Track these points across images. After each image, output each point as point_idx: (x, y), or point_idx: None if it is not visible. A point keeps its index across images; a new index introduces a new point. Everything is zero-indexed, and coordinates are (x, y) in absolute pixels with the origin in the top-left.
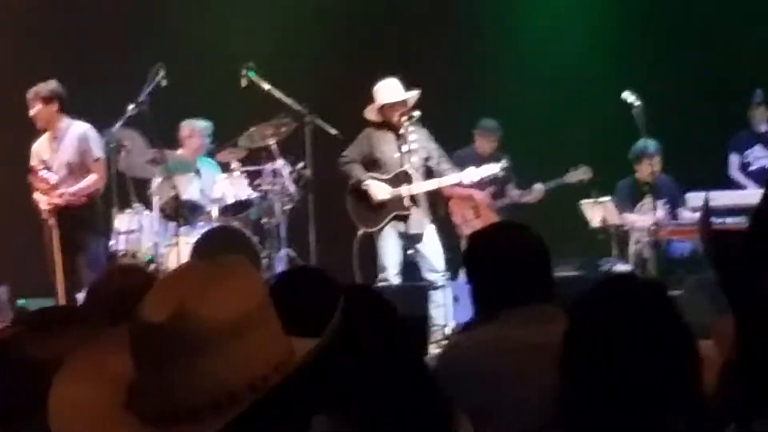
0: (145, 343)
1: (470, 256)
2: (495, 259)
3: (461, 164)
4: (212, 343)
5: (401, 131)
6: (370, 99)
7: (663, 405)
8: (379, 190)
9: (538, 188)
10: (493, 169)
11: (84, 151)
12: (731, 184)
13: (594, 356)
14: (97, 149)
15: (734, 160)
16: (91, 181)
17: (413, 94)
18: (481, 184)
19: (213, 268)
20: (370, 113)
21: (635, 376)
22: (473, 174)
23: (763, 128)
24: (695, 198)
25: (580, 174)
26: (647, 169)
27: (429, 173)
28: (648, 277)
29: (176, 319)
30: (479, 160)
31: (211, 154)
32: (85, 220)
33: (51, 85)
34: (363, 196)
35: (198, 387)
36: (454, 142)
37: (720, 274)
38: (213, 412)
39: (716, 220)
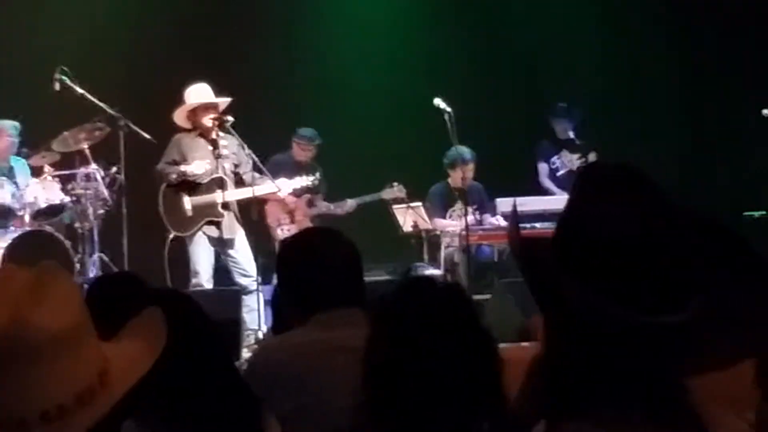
0: None
1: (282, 260)
2: (306, 264)
3: (277, 169)
4: (45, 353)
5: (213, 137)
6: (182, 104)
7: (462, 407)
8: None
9: (350, 204)
10: (305, 181)
11: None
12: (543, 193)
13: (392, 359)
14: None
15: (543, 168)
16: None
17: (224, 100)
18: (296, 193)
19: (36, 275)
20: (180, 117)
21: (434, 379)
22: (286, 185)
23: (565, 136)
24: (504, 203)
25: (394, 192)
26: (460, 176)
27: (239, 179)
28: (447, 280)
29: (11, 328)
30: (295, 168)
31: (23, 158)
32: None
33: None
34: (175, 200)
35: (28, 398)
36: (270, 149)
37: (528, 278)
38: (41, 424)
39: (526, 225)
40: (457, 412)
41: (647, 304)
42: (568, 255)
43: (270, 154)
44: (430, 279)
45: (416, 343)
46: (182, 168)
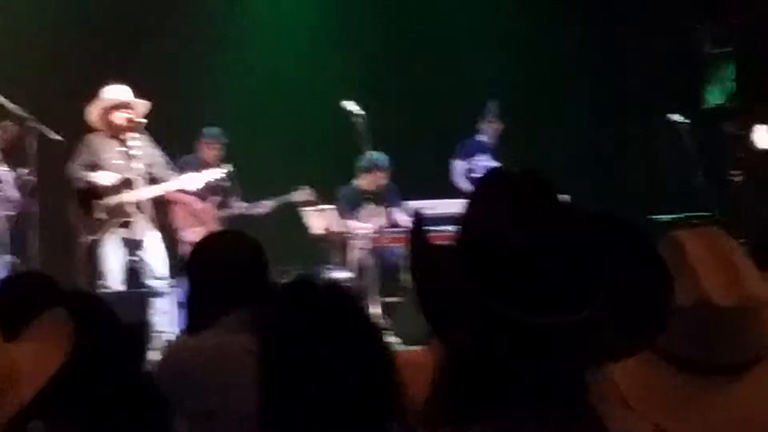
0: None
1: (189, 264)
2: (212, 266)
3: (185, 170)
4: None
5: (124, 137)
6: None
7: (353, 407)
8: (103, 177)
9: (267, 204)
10: (214, 174)
11: None
12: (455, 191)
13: (281, 363)
14: None
15: (459, 165)
16: None
17: (142, 102)
18: (205, 193)
19: None
20: (93, 116)
21: (323, 381)
22: (196, 179)
23: (489, 139)
24: (415, 206)
25: (303, 195)
26: (372, 180)
27: (152, 180)
28: (357, 282)
29: None
30: (203, 167)
31: None
32: None
33: None
34: (86, 203)
35: None
36: (180, 150)
37: (422, 285)
38: None
39: (435, 228)
40: (349, 414)
41: (547, 305)
42: (467, 260)
43: (179, 156)
44: (310, 281)
45: (299, 348)
46: (90, 178)
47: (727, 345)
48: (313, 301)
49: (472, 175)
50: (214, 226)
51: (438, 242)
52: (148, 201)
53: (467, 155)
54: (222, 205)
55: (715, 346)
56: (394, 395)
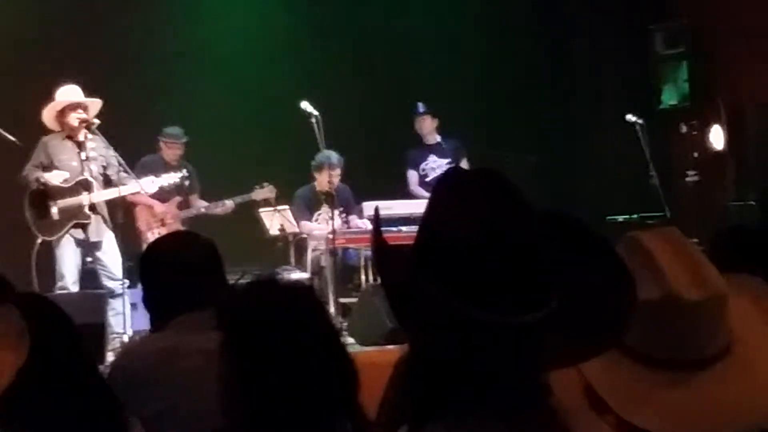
0: None
1: (144, 264)
2: (167, 267)
3: (146, 171)
4: None
5: (79, 139)
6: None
7: (313, 406)
8: (55, 176)
9: (228, 204)
10: (172, 178)
11: None
12: (414, 199)
13: (242, 363)
14: None
15: (412, 175)
16: None
17: (94, 101)
18: (165, 194)
19: None
20: (48, 117)
21: (282, 380)
22: (153, 183)
23: (432, 139)
24: (371, 207)
25: (265, 192)
26: (326, 179)
27: (106, 181)
28: (314, 283)
29: None
30: (164, 167)
31: None
32: None
33: None
34: (42, 204)
35: None
36: (141, 150)
37: (386, 285)
38: None
39: (392, 229)
40: (309, 412)
41: (506, 305)
42: (427, 260)
43: (138, 156)
44: (274, 280)
45: (263, 346)
46: (41, 177)
47: (697, 340)
48: (276, 300)
49: (426, 180)
50: (177, 227)
51: (397, 242)
52: (103, 201)
53: (416, 162)
54: (183, 205)
55: (684, 342)
56: (352, 392)
